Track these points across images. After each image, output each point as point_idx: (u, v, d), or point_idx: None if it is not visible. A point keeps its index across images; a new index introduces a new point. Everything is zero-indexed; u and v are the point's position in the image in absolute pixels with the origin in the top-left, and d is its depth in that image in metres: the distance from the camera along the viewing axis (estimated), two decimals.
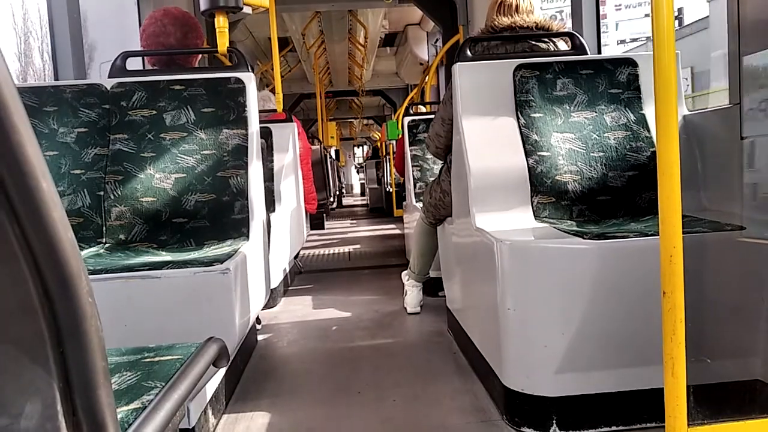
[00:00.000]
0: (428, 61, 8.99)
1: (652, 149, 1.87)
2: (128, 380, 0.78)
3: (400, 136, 5.02)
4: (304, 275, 4.08)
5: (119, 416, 0.65)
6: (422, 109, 5.18)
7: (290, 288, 3.61)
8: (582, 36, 2.22)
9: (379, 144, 13.47)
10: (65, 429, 0.46)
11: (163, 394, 0.70)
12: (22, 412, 0.45)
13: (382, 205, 9.49)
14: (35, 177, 0.41)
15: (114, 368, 0.84)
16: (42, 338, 0.44)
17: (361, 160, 27.01)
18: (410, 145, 4.18)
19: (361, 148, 29.07)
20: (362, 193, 18.29)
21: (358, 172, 24.21)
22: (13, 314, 0.43)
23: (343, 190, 15.70)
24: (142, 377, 0.79)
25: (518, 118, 1.90)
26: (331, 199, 7.98)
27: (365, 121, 19.12)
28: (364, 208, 12.03)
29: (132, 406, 0.69)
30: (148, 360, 0.87)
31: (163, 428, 0.64)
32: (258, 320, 2.68)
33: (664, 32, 0.94)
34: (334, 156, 12.19)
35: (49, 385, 0.45)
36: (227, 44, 2.29)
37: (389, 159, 7.70)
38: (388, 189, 8.56)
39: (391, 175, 7.62)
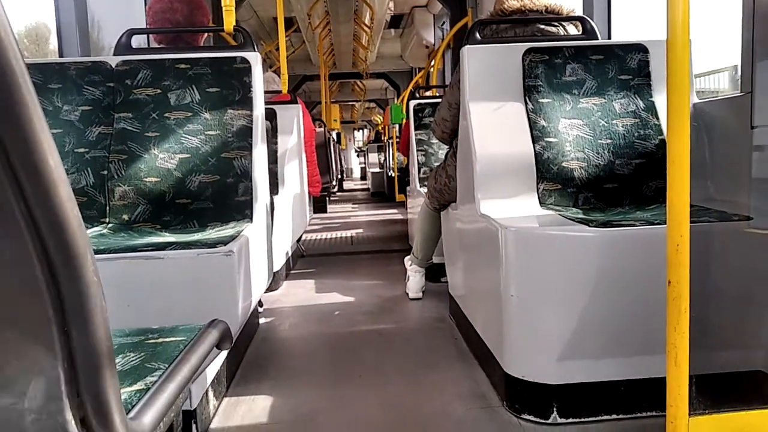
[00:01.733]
0: (434, 44, 8.92)
1: (660, 137, 1.85)
2: (132, 361, 0.78)
3: (404, 120, 4.99)
4: (307, 259, 4.08)
5: (123, 397, 0.65)
6: (429, 94, 5.14)
7: (293, 271, 3.61)
8: (593, 20, 2.19)
9: (381, 127, 13.41)
10: (69, 409, 0.46)
11: (166, 376, 0.70)
12: (26, 391, 0.44)
13: (384, 190, 9.47)
14: (42, 152, 0.40)
15: (117, 349, 0.84)
16: (47, 318, 0.43)
17: (361, 144, 26.93)
18: (415, 129, 4.16)
19: (361, 131, 28.97)
20: (362, 177, 18.17)
21: (358, 156, 24.12)
22: (18, 293, 0.43)
23: (344, 174, 15.67)
24: (146, 358, 0.79)
25: (526, 104, 1.88)
26: (334, 183, 7.96)
27: (367, 105, 19.03)
28: (365, 192, 12.00)
29: (135, 387, 0.69)
30: (151, 341, 0.87)
31: (166, 410, 0.64)
32: (260, 303, 2.68)
33: (679, 18, 0.93)
34: (335, 139, 12.17)
35: (54, 366, 0.44)
36: (233, 23, 2.27)
37: (392, 143, 7.67)
38: (390, 173, 8.54)
39: (393, 159, 7.59)
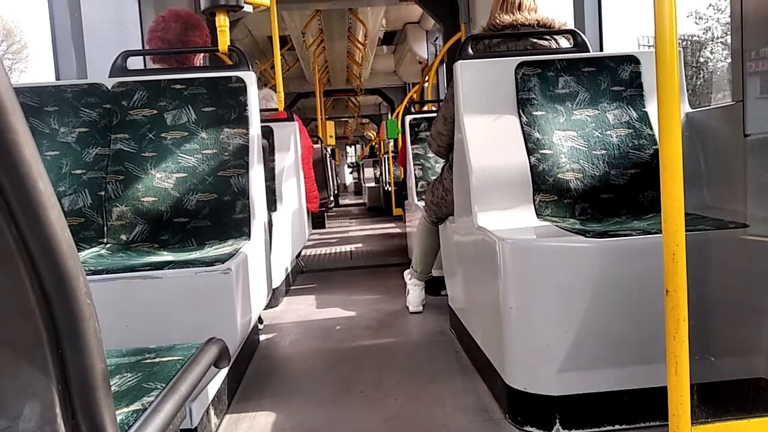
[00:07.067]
0: (427, 60, 8.99)
1: (654, 147, 1.86)
2: (128, 381, 0.78)
3: (399, 134, 5.01)
4: (306, 274, 4.08)
5: (119, 418, 0.64)
6: (425, 108, 5.17)
7: (292, 287, 3.60)
8: (584, 33, 2.22)
9: (374, 142, 13.46)
10: (64, 431, 0.45)
11: (163, 396, 0.70)
12: (20, 414, 0.44)
13: (381, 204, 9.48)
14: (32, 177, 0.40)
15: (114, 369, 0.83)
16: (40, 340, 0.43)
17: (353, 159, 27.05)
18: (411, 143, 4.18)
19: (353, 147, 29.12)
20: (356, 192, 18.19)
21: (351, 171, 24.22)
22: (10, 316, 0.43)
23: (339, 189, 15.69)
24: (143, 378, 0.79)
25: (520, 116, 1.90)
26: (331, 199, 7.98)
27: (361, 120, 19.14)
28: (361, 207, 12.02)
29: (132, 407, 0.68)
30: (148, 361, 0.87)
31: (163, 430, 0.64)
32: (260, 320, 2.67)
33: (667, 29, 0.94)
34: (330, 154, 12.20)
35: (48, 388, 0.44)
36: (228, 43, 2.29)
37: (387, 158, 7.69)
38: (386, 188, 8.55)
39: (389, 173, 7.60)
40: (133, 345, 0.98)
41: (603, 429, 1.46)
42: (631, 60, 1.98)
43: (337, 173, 12.46)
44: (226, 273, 1.49)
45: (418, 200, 3.85)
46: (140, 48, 2.84)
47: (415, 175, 4.08)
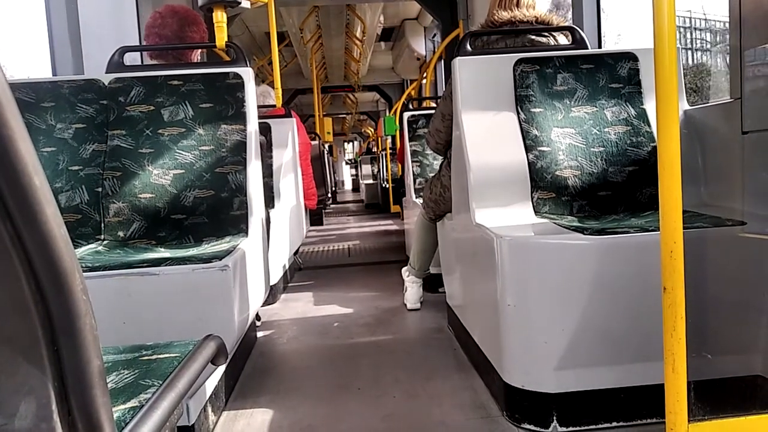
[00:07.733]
0: (425, 56, 8.98)
1: (652, 144, 1.86)
2: (125, 378, 0.78)
3: (397, 131, 5.00)
4: (304, 271, 4.07)
5: (116, 415, 0.64)
6: (423, 105, 5.16)
7: (290, 284, 3.60)
8: (582, 30, 2.21)
9: (372, 139, 13.43)
10: (60, 429, 0.45)
11: (160, 393, 0.70)
12: (16, 411, 0.44)
13: (378, 201, 9.48)
14: (28, 174, 0.40)
15: (111, 366, 0.83)
16: (36, 337, 0.43)
17: (350, 156, 27.05)
18: (410, 140, 4.17)
19: (351, 143, 29.11)
20: (354, 189, 18.16)
21: (350, 167, 24.19)
22: (6, 312, 0.42)
23: (336, 186, 15.66)
24: (140, 375, 0.79)
25: (518, 113, 1.89)
26: (329, 195, 7.96)
27: (359, 117, 19.10)
28: (358, 204, 12.01)
29: (129, 404, 0.68)
30: (145, 358, 0.87)
31: (160, 427, 0.64)
32: (257, 317, 2.67)
33: (665, 26, 0.93)
34: (327, 151, 12.18)
35: (44, 385, 0.44)
36: (225, 39, 2.28)
37: (385, 154, 7.68)
38: (384, 185, 8.54)
39: (387, 170, 7.60)
40: (130, 342, 0.98)
41: (600, 426, 1.46)
42: (630, 57, 1.98)
43: (334, 170, 12.46)
44: (224, 270, 1.49)
45: (416, 197, 3.85)
46: (137, 44, 2.82)
47: (413, 172, 4.08)
